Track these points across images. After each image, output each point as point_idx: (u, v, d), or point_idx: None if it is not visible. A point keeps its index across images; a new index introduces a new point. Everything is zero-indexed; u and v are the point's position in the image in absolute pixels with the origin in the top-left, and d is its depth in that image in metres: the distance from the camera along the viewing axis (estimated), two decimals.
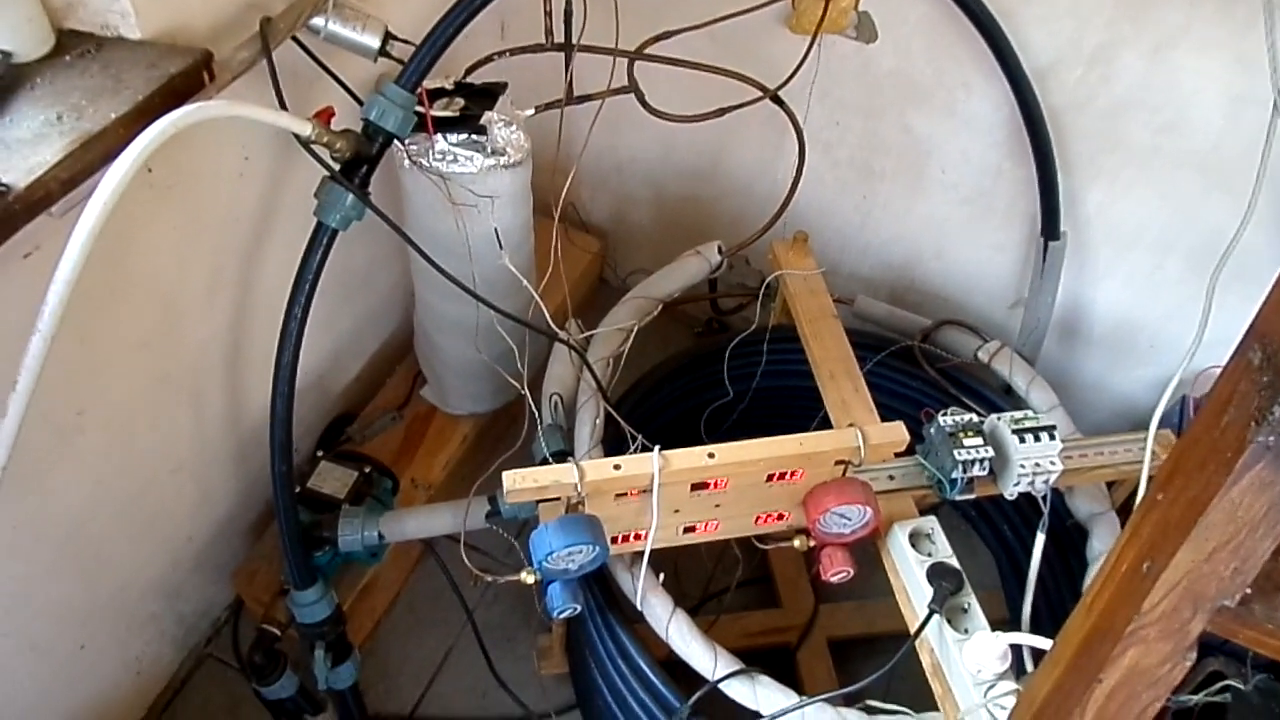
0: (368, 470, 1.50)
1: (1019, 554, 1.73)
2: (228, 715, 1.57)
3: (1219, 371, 0.68)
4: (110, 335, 1.14)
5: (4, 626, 1.17)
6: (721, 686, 1.18)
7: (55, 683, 1.31)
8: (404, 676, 1.68)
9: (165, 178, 1.12)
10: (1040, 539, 1.22)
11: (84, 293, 0.97)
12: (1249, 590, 0.65)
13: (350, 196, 1.14)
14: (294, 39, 1.16)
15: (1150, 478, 1.26)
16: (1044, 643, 1.00)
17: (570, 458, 1.28)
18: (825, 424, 1.44)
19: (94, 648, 1.34)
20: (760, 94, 1.46)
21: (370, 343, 1.78)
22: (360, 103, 1.23)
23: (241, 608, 1.61)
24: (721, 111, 1.45)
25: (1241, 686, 1.29)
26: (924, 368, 1.68)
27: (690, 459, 1.09)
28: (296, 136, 1.10)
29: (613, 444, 1.40)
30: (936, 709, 1.15)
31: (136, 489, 1.30)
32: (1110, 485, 1.47)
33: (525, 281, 1.35)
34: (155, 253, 1.16)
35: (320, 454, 1.54)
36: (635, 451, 1.29)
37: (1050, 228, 1.59)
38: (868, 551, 1.27)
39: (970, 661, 1.06)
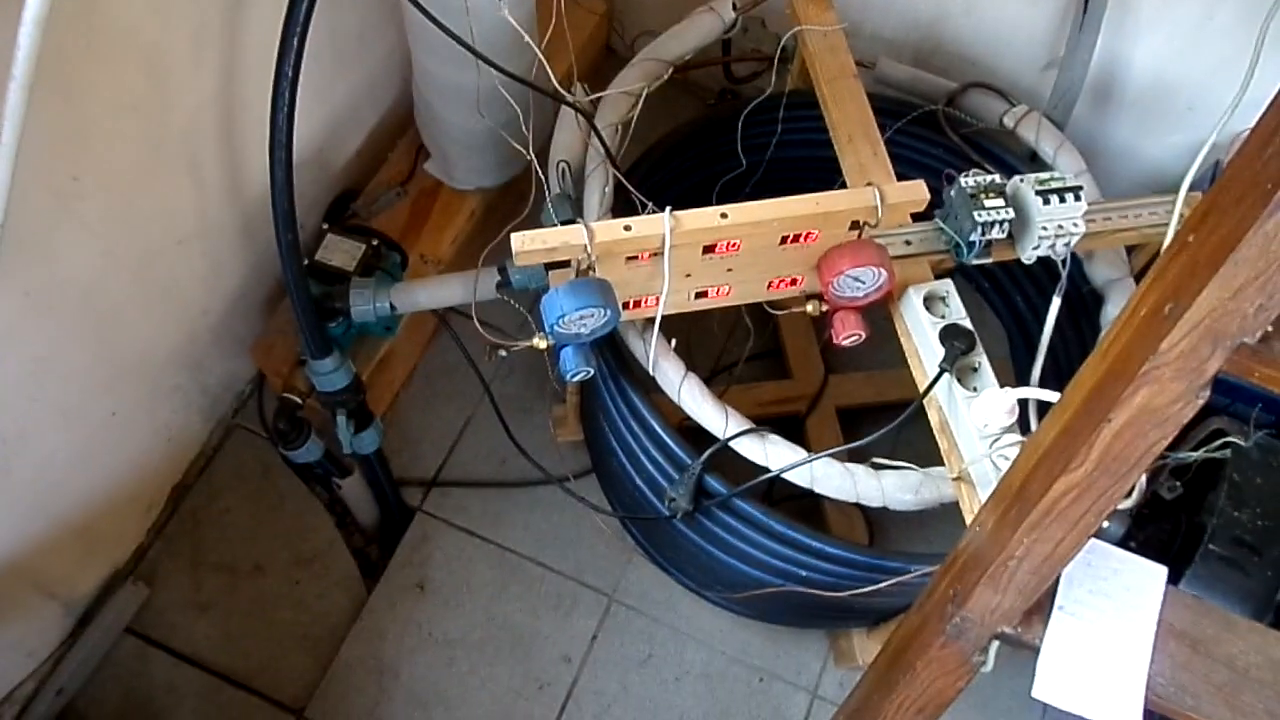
0: (375, 243, 1.48)
1: (1030, 324, 1.74)
2: (260, 478, 1.65)
3: None
4: (95, 95, 1.09)
5: (33, 392, 1.20)
6: (733, 444, 1.21)
7: (91, 448, 1.36)
8: (425, 444, 1.75)
9: None
10: (1056, 303, 1.21)
11: (60, 48, 0.92)
12: (1270, 329, 0.64)
13: None
14: None
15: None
16: (1052, 395, 1.01)
17: (581, 221, 1.26)
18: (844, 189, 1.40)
19: (124, 415, 1.39)
20: None
21: (369, 115, 1.71)
22: None
23: (263, 380, 1.65)
24: None
25: (1242, 443, 1.32)
26: (947, 134, 1.61)
27: (702, 219, 1.06)
28: None
29: (623, 213, 1.37)
30: (940, 465, 1.18)
31: (144, 259, 1.29)
32: (1130, 252, 1.44)
33: (527, 37, 1.27)
34: (129, 4, 1.08)
35: (326, 227, 1.52)
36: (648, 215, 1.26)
37: None
38: (877, 324, 1.27)
39: (978, 417, 1.07)
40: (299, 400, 1.41)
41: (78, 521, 1.39)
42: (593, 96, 1.43)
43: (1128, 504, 1.03)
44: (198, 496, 1.63)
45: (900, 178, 1.35)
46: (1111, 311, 1.38)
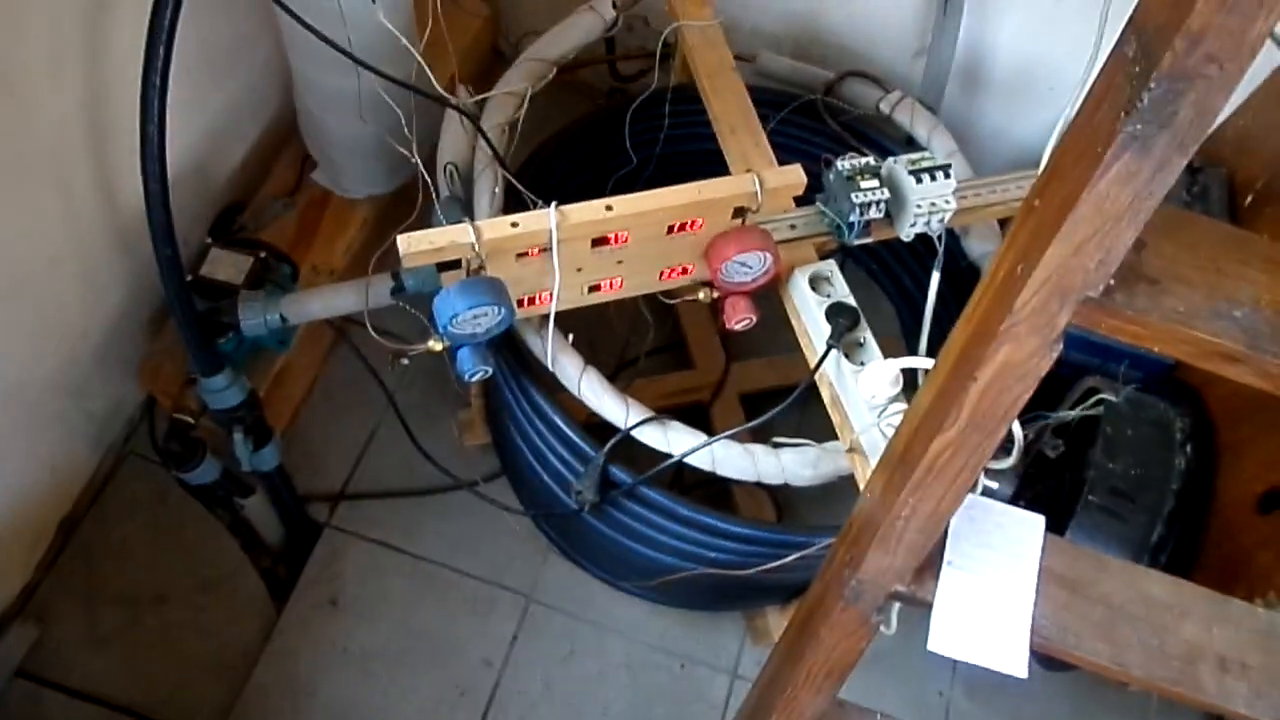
0: (263, 256, 1.45)
1: (918, 301, 1.80)
2: (157, 504, 1.59)
3: None
4: None
5: None
6: (634, 433, 1.23)
7: None
8: (330, 458, 1.72)
9: None
10: (935, 277, 1.27)
11: None
12: (1112, 282, 0.69)
13: None
14: None
15: None
16: (928, 362, 1.06)
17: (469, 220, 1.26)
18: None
19: (0, 448, 1.32)
20: None
21: (250, 126, 1.67)
22: None
23: (154, 403, 1.59)
24: None
25: (1113, 399, 1.41)
26: (827, 122, 1.67)
27: (588, 212, 1.08)
28: None
29: (515, 213, 1.37)
30: (836, 439, 1.22)
31: (11, 282, 1.23)
32: (1003, 225, 1.51)
33: (404, 40, 1.26)
34: None
35: (210, 242, 1.48)
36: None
37: None
38: (776, 311, 1.31)
39: (865, 389, 1.12)
40: (191, 420, 1.37)
41: None
42: (477, 98, 1.43)
43: (1010, 462, 1.09)
44: (90, 528, 1.56)
45: (784, 164, 1.39)
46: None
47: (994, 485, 1.08)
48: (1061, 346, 0.73)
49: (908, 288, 1.85)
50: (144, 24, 1.06)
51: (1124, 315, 0.71)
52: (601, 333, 1.78)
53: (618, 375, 1.80)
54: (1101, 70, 0.71)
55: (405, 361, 1.25)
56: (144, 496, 1.60)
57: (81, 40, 1.19)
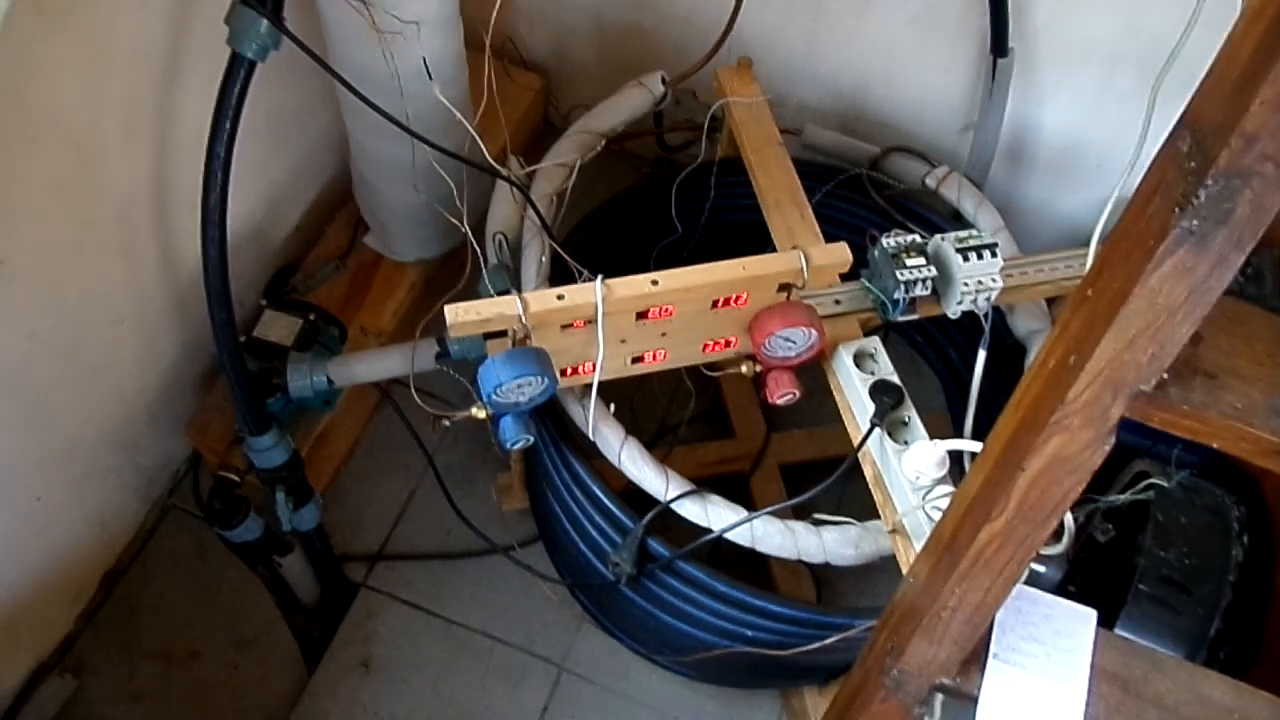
0: (313, 318, 1.48)
1: (963, 375, 1.79)
2: (197, 560, 1.61)
3: None
4: (22, 180, 1.09)
5: None
6: (674, 506, 1.22)
7: (16, 534, 1.32)
8: (368, 519, 1.72)
9: (58, 4, 1.04)
10: (981, 355, 1.26)
11: None
12: (1166, 375, 0.68)
13: (265, 23, 1.07)
14: None
15: None
16: (975, 446, 1.04)
17: (516, 292, 1.27)
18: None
19: (52, 499, 1.35)
20: None
21: (307, 190, 1.72)
22: None
23: (200, 459, 1.62)
24: None
25: (1165, 484, 1.37)
26: (872, 196, 1.67)
27: (634, 286, 1.09)
28: None
29: (560, 283, 1.39)
30: (878, 518, 1.20)
31: (75, 341, 1.27)
32: (1051, 303, 1.50)
33: (459, 115, 1.30)
34: (59, 91, 1.09)
35: (264, 303, 1.51)
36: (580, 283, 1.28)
37: (999, 44, 1.55)
38: (819, 381, 1.30)
39: (909, 469, 1.10)
40: (236, 478, 1.39)
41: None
42: (528, 169, 1.46)
43: (1059, 549, 1.06)
44: (131, 581, 1.58)
45: (829, 238, 1.40)
46: (1030, 362, 1.43)
47: (1041, 569, 1.05)
48: (1114, 439, 0.72)
49: (953, 360, 1.83)
50: (212, 94, 1.11)
51: (1179, 410, 0.69)
52: (642, 399, 1.78)
53: (657, 442, 1.79)
54: (1152, 163, 0.71)
55: (447, 424, 1.26)
56: (185, 551, 1.61)
57: (154, 111, 1.24)
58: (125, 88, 1.19)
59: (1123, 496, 1.25)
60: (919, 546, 1.08)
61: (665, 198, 1.63)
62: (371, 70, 1.31)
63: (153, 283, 1.39)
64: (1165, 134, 0.65)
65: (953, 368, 1.83)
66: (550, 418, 1.33)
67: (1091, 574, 1.47)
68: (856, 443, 1.18)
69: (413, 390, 1.28)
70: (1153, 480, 1.24)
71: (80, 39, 1.09)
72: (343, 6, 1.25)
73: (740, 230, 1.69)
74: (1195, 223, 0.60)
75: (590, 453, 1.31)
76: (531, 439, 1.19)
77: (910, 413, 1.17)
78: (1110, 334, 0.66)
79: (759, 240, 1.51)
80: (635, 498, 1.28)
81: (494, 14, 1.32)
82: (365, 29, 1.26)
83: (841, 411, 1.25)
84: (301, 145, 1.65)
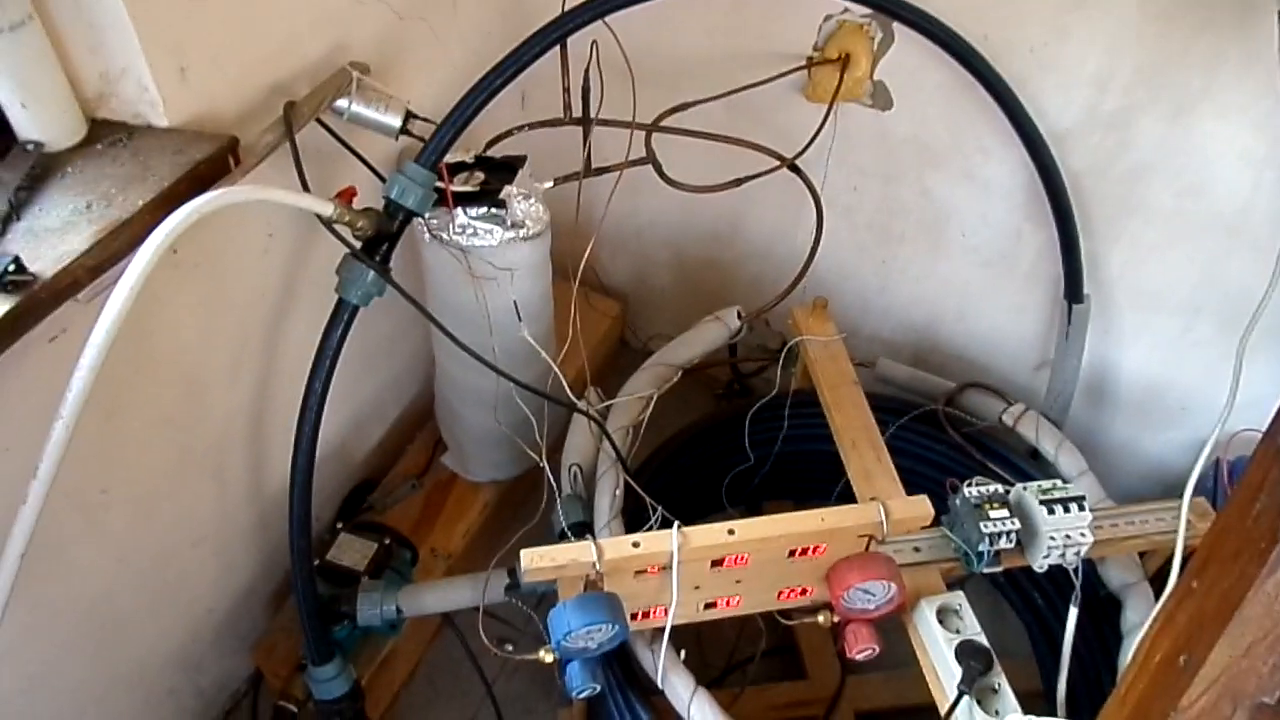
0: (387, 542, 1.49)
1: (1051, 622, 1.69)
2: None
3: (1252, 440, 0.67)
4: (135, 413, 1.15)
5: (21, 710, 1.16)
6: None
7: None
8: None
9: (190, 257, 1.14)
10: (1073, 613, 1.19)
11: (109, 372, 0.98)
12: None
13: (371, 274, 1.15)
14: (317, 120, 1.19)
15: (1185, 550, 1.22)
16: None
17: (589, 531, 1.27)
18: (848, 491, 1.42)
19: None
20: (778, 163, 1.47)
21: (391, 410, 1.78)
22: (382, 180, 1.25)
23: (261, 680, 1.59)
24: (738, 182, 1.46)
25: None
26: (948, 432, 1.66)
27: (709, 536, 1.08)
28: (319, 216, 1.11)
29: (633, 513, 1.39)
30: None
31: (158, 563, 1.30)
32: (1142, 554, 1.43)
33: (544, 353, 1.35)
34: (180, 330, 1.17)
35: (340, 526, 1.53)
36: (655, 523, 1.28)
37: (1073, 290, 1.58)
38: (895, 621, 1.24)
39: None
40: (294, 709, 1.36)
41: None
42: (605, 404, 1.49)
43: None
44: None
45: (904, 474, 1.38)
46: (1131, 618, 1.35)
47: None
48: None
49: (1039, 606, 1.74)
50: (315, 329, 1.18)
51: None
52: (711, 633, 1.72)
53: (725, 679, 1.71)
54: (1254, 458, 0.69)
55: (510, 649, 1.22)
56: None
57: (260, 347, 1.32)
58: (238, 327, 1.27)
59: None
60: None
61: (739, 428, 1.64)
62: (464, 308, 1.39)
63: (238, 503, 1.42)
64: (1260, 393, 0.64)
65: (1038, 613, 1.74)
66: (617, 659, 1.28)
67: None
68: (941, 707, 1.11)
69: (480, 628, 1.25)
70: None
71: (206, 284, 1.18)
72: (443, 253, 1.34)
73: (812, 460, 1.68)
74: None
75: (654, 691, 1.25)
76: (599, 688, 1.15)
77: (1000, 679, 1.10)
78: (1225, 639, 0.63)
79: (831, 471, 1.50)
80: None
81: (584, 258, 1.40)
82: (462, 273, 1.35)
83: (924, 670, 1.18)
84: (390, 370, 1.72)
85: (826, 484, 1.68)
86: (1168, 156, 1.43)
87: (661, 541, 1.07)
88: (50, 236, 0.91)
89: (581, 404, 1.44)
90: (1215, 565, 0.68)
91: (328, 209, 1.10)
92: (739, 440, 1.65)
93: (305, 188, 1.14)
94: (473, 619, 1.27)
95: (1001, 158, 1.56)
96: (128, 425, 1.15)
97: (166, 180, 0.97)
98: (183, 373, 1.20)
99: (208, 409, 1.27)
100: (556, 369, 1.34)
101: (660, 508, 1.30)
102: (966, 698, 1.07)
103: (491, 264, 1.34)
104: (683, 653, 1.23)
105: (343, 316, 1.18)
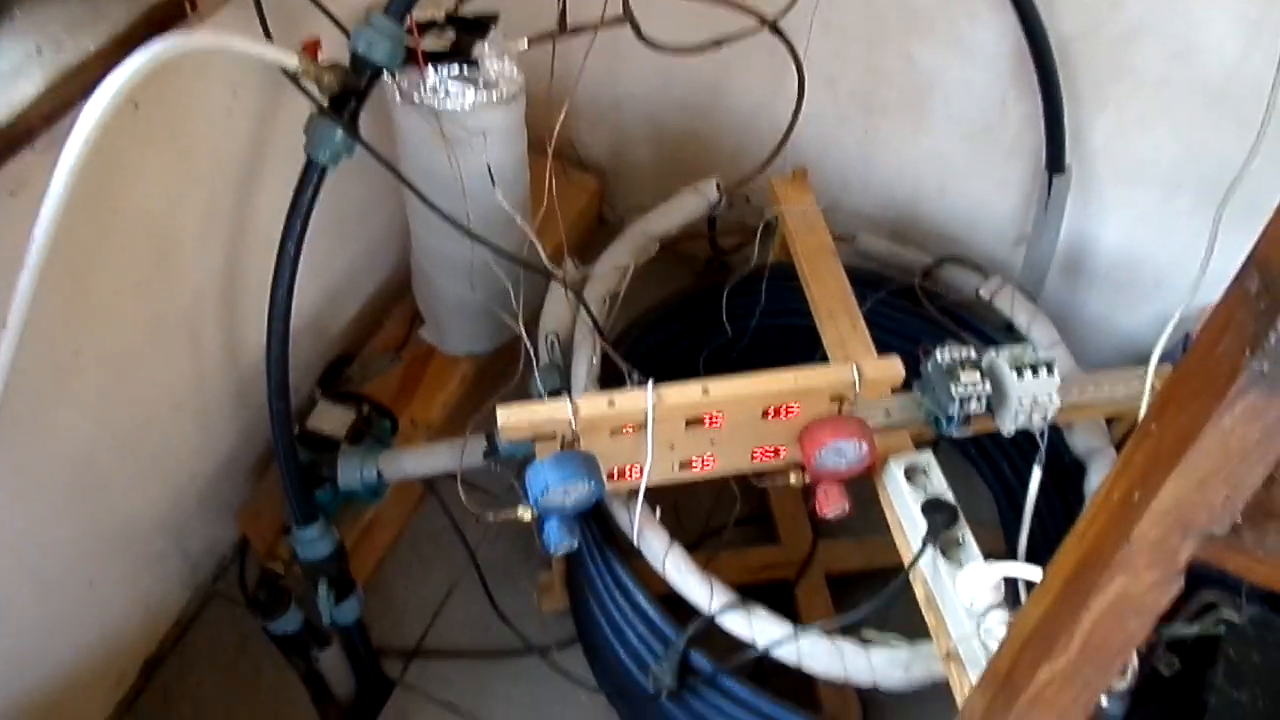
0: (366, 410, 1.50)
1: (1018, 490, 1.74)
2: (237, 650, 1.60)
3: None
4: (104, 275, 1.13)
5: (12, 563, 1.19)
6: (718, 619, 1.19)
7: (66, 618, 1.33)
8: (407, 612, 1.71)
9: (151, 114, 1.10)
10: (1037, 474, 1.23)
11: (74, 231, 0.97)
12: (1239, 518, 0.65)
13: (340, 132, 1.12)
14: None
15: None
16: (1035, 573, 1.00)
17: (566, 395, 1.28)
18: (824, 362, 1.44)
19: (103, 585, 1.36)
20: (759, 23, 1.42)
21: (367, 283, 1.77)
22: (348, 35, 1.20)
23: (247, 546, 1.63)
24: (718, 44, 1.42)
25: (1235, 618, 1.30)
26: (925, 305, 1.67)
27: (685, 394, 1.09)
28: (284, 70, 1.08)
29: (610, 382, 1.40)
30: (930, 639, 1.16)
31: (137, 428, 1.30)
32: (1109, 422, 1.46)
33: (519, 218, 1.33)
34: (146, 191, 1.15)
35: (319, 393, 1.54)
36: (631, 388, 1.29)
37: (1055, 161, 1.56)
38: (867, 488, 1.28)
39: (963, 592, 1.07)
40: (281, 571, 1.40)
41: (41, 699, 1.34)
42: (582, 270, 1.48)
43: (1123, 684, 1.01)
44: (171, 669, 1.58)
45: (880, 347, 1.39)
46: (1094, 482, 1.39)
47: (1104, 703, 1.00)
48: (1183, 581, 0.69)
49: (1006, 474, 1.79)
50: (285, 194, 1.15)
51: (1254, 555, 0.67)
52: (687, 500, 1.76)
53: (701, 544, 1.76)
54: (1221, 300, 0.70)
55: (491, 518, 1.25)
56: (225, 640, 1.61)
57: (230, 211, 1.30)
58: (205, 190, 1.25)
59: (1191, 629, 1.19)
60: (974, 675, 1.04)
61: (716, 301, 1.64)
62: (437, 173, 1.36)
63: (215, 372, 1.42)
64: (1229, 257, 0.65)
65: (1006, 482, 1.79)
66: (595, 520, 1.32)
67: (1155, 710, 1.39)
68: (908, 562, 1.15)
69: (459, 488, 1.28)
70: (1223, 615, 1.18)
71: (169, 145, 1.15)
72: (414, 115, 1.31)
73: (791, 334, 1.69)
74: (1267, 365, 0.59)
75: (633, 554, 1.29)
76: (575, 543, 1.18)
77: (964, 532, 1.14)
78: (1178, 473, 0.64)
79: (809, 345, 1.51)
80: (678, 602, 1.26)
81: (558, 124, 1.37)
82: (434, 136, 1.32)
83: (891, 527, 1.22)
84: (364, 240, 1.70)
85: (804, 358, 1.68)
86: (1160, 18, 1.39)
87: (637, 400, 1.08)
88: (1, 82, 0.88)
89: (558, 272, 1.43)
90: (1174, 406, 0.69)
91: (292, 61, 1.06)
92: (717, 314, 1.65)
93: (268, 39, 1.09)
94: (455, 488, 1.29)
95: (989, 22, 1.52)
96: (97, 288, 1.13)
97: (120, 24, 0.93)
98: (151, 237, 1.18)
99: (179, 275, 1.26)
100: (532, 234, 1.32)
101: (636, 373, 1.31)
102: (931, 548, 1.11)
103: (464, 127, 1.31)
104: (658, 511, 1.26)
105: (312, 177, 1.15)
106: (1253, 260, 0.63)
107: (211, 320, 1.36)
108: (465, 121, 1.30)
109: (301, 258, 1.16)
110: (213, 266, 1.32)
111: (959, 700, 1.05)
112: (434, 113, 1.30)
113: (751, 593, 1.24)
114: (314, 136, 1.13)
